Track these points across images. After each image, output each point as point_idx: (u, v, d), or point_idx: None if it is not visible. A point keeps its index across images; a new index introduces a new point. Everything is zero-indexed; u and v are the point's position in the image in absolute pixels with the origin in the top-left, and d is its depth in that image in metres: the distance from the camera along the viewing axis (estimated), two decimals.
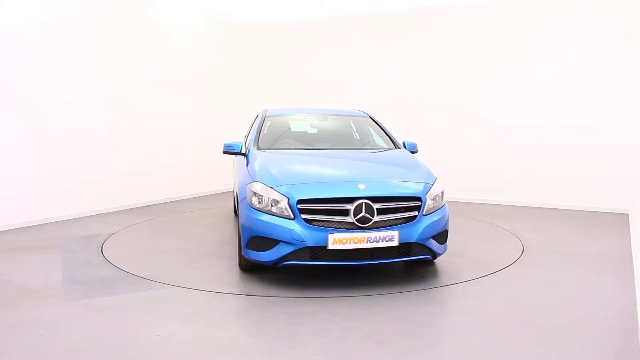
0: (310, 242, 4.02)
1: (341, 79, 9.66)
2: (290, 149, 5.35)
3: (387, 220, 4.13)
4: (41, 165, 6.65)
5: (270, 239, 4.10)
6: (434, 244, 4.36)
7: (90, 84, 7.27)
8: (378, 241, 4.05)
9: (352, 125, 5.97)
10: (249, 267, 4.60)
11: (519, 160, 8.35)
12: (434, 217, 4.35)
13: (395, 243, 4.09)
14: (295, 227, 4.04)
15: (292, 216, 4.08)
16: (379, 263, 4.23)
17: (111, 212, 7.56)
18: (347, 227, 4.04)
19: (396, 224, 4.15)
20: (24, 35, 6.44)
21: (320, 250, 4.05)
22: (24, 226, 6.47)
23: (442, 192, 4.56)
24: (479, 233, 6.40)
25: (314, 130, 5.97)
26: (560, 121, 8.02)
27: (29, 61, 6.50)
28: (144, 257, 5.14)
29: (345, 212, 4.05)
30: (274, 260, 4.12)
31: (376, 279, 4.52)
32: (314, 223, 4.05)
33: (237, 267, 4.77)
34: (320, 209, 4.07)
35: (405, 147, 5.52)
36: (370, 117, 6.00)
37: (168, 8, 8.59)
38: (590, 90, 7.82)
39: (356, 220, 4.03)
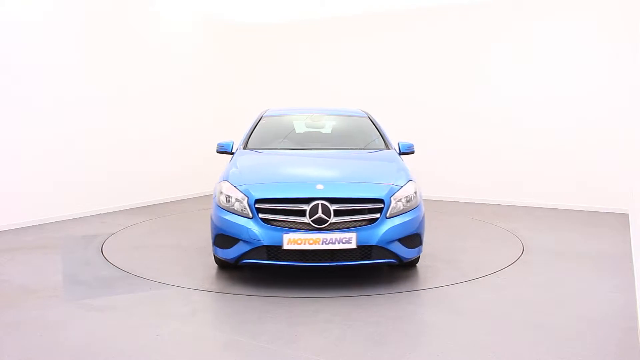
0: (266, 242, 4.03)
1: (341, 78, 9.66)
2: (277, 148, 5.34)
3: (345, 222, 4.05)
4: (41, 165, 6.65)
5: (232, 237, 4.17)
6: (399, 248, 4.18)
7: (90, 84, 7.28)
8: (334, 243, 3.99)
9: (348, 125, 5.94)
10: (223, 264, 4.66)
11: (519, 160, 8.35)
12: (401, 220, 4.19)
13: (353, 245, 4.00)
14: (253, 227, 4.08)
15: (250, 215, 4.12)
16: (337, 265, 4.11)
17: (111, 212, 7.56)
18: (303, 227, 4.01)
19: (355, 226, 4.05)
20: (24, 34, 6.44)
21: (276, 250, 4.05)
22: (24, 226, 6.47)
23: (415, 194, 4.39)
24: (479, 233, 6.40)
25: (308, 131, 5.96)
26: (561, 121, 8.02)
27: (28, 61, 6.50)
28: (144, 257, 5.14)
29: (302, 213, 4.03)
30: (234, 258, 4.18)
31: (376, 279, 4.52)
32: (270, 222, 4.06)
33: (238, 268, 4.77)
34: (277, 209, 4.08)
35: (399, 147, 5.45)
36: (369, 117, 5.96)
37: (168, 8, 8.59)
38: (590, 90, 7.82)
39: (312, 221, 4.00)
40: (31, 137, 6.54)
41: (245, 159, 4.96)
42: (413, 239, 4.32)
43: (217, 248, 4.36)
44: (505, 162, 8.48)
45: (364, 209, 4.11)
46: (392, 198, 4.20)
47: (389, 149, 5.41)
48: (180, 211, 7.82)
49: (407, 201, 4.32)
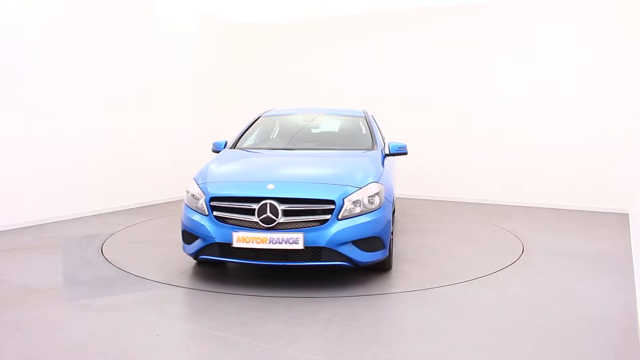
0: (217, 239, 4.12)
1: (341, 78, 9.66)
2: (264, 148, 5.41)
3: (294, 222, 4.03)
4: (41, 165, 6.65)
5: (192, 233, 4.32)
6: (353, 251, 4.07)
7: (90, 84, 7.28)
8: (281, 243, 3.99)
9: (342, 125, 5.91)
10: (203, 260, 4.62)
11: (519, 160, 8.36)
12: (356, 222, 4.08)
13: (300, 246, 3.98)
14: (207, 224, 4.20)
15: (206, 213, 4.24)
16: (288, 265, 4.11)
17: (111, 212, 7.56)
18: (252, 226, 4.06)
19: (303, 227, 4.03)
20: (23, 34, 6.44)
21: (227, 247, 4.13)
22: (24, 226, 6.47)
23: (377, 196, 4.26)
24: (478, 233, 6.40)
25: (301, 131, 5.95)
26: (560, 121, 8.03)
27: (28, 61, 6.50)
28: (144, 257, 5.14)
29: (252, 212, 4.08)
30: (194, 253, 4.33)
31: (376, 279, 4.52)
32: (223, 220, 4.15)
33: (237, 268, 4.78)
34: (229, 207, 4.17)
35: (389, 148, 5.37)
36: (365, 117, 5.89)
37: (168, 8, 8.59)
38: (590, 90, 7.82)
39: (260, 220, 4.03)
40: (31, 137, 6.54)
41: (221, 158, 5.09)
42: (371, 243, 4.18)
43: (183, 243, 4.51)
44: (505, 162, 8.48)
45: (313, 209, 4.07)
46: (345, 199, 4.11)
47: (375, 149, 5.27)
48: (180, 211, 7.81)
49: (370, 203, 4.22)
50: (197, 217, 4.28)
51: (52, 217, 6.81)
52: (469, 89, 8.65)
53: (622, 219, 7.20)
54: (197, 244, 4.27)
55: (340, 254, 4.04)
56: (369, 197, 4.23)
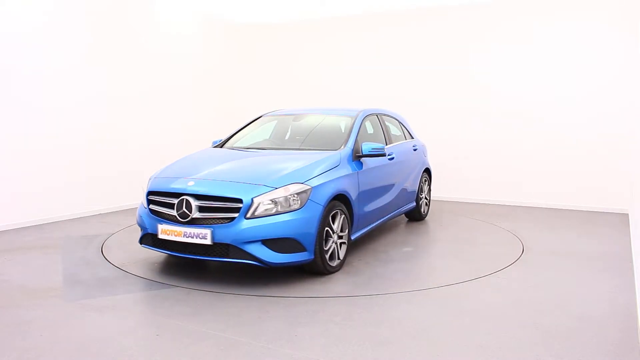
0: (150, 230, 4.51)
1: (341, 78, 9.66)
2: (248, 148, 5.61)
3: (206, 218, 4.20)
4: (41, 165, 6.65)
5: (139, 224, 4.72)
6: (262, 251, 4.10)
7: (90, 83, 7.27)
8: (192, 237, 4.20)
9: (328, 126, 5.81)
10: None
11: (519, 160, 8.36)
12: (266, 221, 4.10)
13: (208, 242, 4.13)
14: (144, 215, 4.61)
15: (145, 205, 4.63)
16: (204, 259, 4.43)
17: (111, 212, 7.56)
18: (173, 219, 4.33)
19: (212, 223, 4.17)
20: (23, 34, 6.44)
21: (155, 238, 4.46)
22: (24, 226, 6.47)
23: (296, 197, 4.22)
24: (479, 233, 6.40)
25: (290, 131, 6.00)
26: (560, 121, 8.03)
27: (28, 61, 6.50)
28: (144, 257, 5.14)
29: (173, 206, 4.35)
30: (139, 240, 4.76)
31: (376, 279, 4.52)
32: (154, 213, 4.51)
33: (237, 267, 4.78)
34: (158, 201, 4.51)
35: (361, 150, 5.15)
36: (355, 117, 5.69)
37: (168, 8, 8.59)
38: (590, 90, 7.82)
39: (178, 214, 4.28)
40: (31, 137, 6.54)
41: (189, 156, 5.40)
42: (284, 243, 4.16)
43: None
44: (505, 162, 8.48)
45: (223, 207, 4.18)
46: (255, 199, 4.14)
47: (340, 149, 5.10)
48: None
49: (288, 203, 4.20)
50: (141, 209, 4.72)
51: (52, 217, 6.81)
52: (469, 89, 8.64)
53: (622, 219, 7.20)
54: (140, 233, 4.74)
55: (247, 252, 4.10)
56: (286, 197, 4.21)
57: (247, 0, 8.66)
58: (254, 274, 4.60)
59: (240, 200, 4.14)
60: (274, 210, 4.16)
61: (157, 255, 5.21)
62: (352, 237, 4.99)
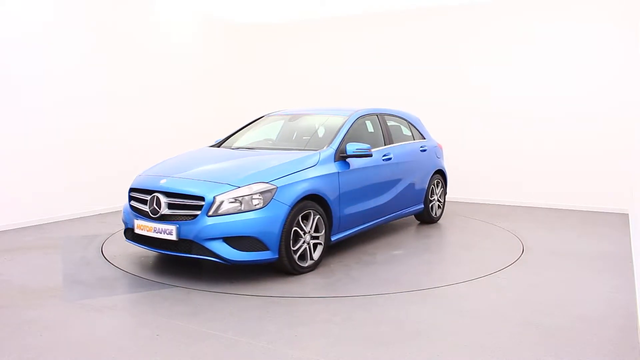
0: (129, 225, 4.72)
1: (341, 78, 9.66)
2: (241, 148, 5.62)
3: (173, 215, 4.36)
4: (41, 165, 6.65)
5: (122, 220, 4.94)
6: (223, 248, 4.17)
7: (90, 83, 7.27)
8: (161, 233, 4.36)
9: (321, 126, 5.80)
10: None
11: (519, 160, 8.35)
12: (227, 219, 4.17)
13: (174, 238, 4.28)
14: (126, 211, 4.83)
15: (128, 201, 4.85)
16: (173, 255, 4.52)
17: (111, 212, 7.56)
18: (146, 215, 4.52)
19: (178, 220, 4.31)
20: (23, 34, 6.43)
21: (134, 233, 4.63)
22: (24, 226, 6.46)
23: (258, 196, 4.28)
24: (479, 233, 6.40)
25: (285, 131, 6.03)
26: (561, 121, 8.02)
27: (28, 61, 6.50)
28: (143, 257, 5.14)
29: (146, 202, 4.54)
30: (124, 234, 4.94)
31: (376, 279, 4.52)
32: (133, 209, 4.70)
33: (237, 268, 4.78)
34: (136, 197, 4.71)
35: (345, 151, 5.07)
36: (348, 117, 5.61)
37: (168, 8, 8.59)
38: (590, 90, 7.82)
39: (149, 210, 4.47)
40: (31, 137, 6.54)
41: (181, 155, 5.55)
42: (245, 242, 4.22)
43: None
44: (505, 162, 8.48)
45: (188, 204, 4.32)
46: (218, 197, 4.23)
47: (323, 149, 5.07)
48: None
49: (252, 202, 4.26)
50: (125, 205, 4.92)
51: (52, 217, 6.81)
52: (469, 89, 8.64)
53: (622, 219, 7.20)
54: (124, 228, 4.91)
55: (207, 249, 4.20)
56: (250, 196, 4.28)
57: (247, 0, 8.66)
58: (254, 274, 4.60)
59: (202, 198, 4.26)
60: (236, 209, 4.23)
61: (156, 254, 5.21)
62: (333, 239, 4.95)
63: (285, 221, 4.33)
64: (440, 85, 8.87)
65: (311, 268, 4.67)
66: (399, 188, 6.00)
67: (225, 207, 4.23)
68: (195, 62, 9.21)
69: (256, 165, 4.68)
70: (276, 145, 5.70)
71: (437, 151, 7.00)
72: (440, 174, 7.04)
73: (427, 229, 6.62)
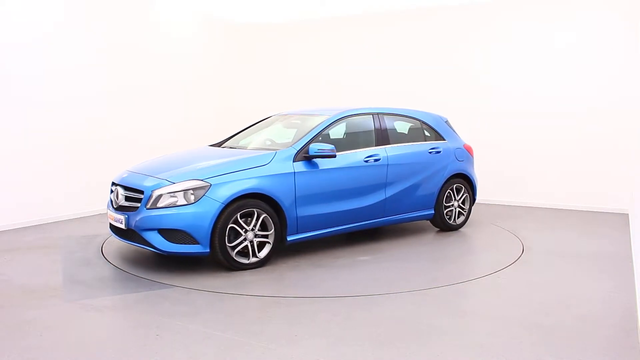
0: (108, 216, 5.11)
1: (341, 78, 9.65)
2: (235, 147, 5.76)
3: (127, 206, 4.77)
4: (41, 165, 6.65)
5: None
6: (156, 239, 4.49)
7: (90, 83, 7.27)
8: (117, 222, 4.80)
9: (309, 125, 5.65)
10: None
11: (519, 160, 8.35)
12: (161, 212, 4.48)
13: (123, 226, 4.70)
14: (108, 203, 5.20)
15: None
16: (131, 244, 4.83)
17: None
18: (113, 206, 4.97)
19: (127, 211, 4.72)
20: (23, 34, 6.43)
21: (110, 223, 5.06)
22: (24, 226, 6.46)
23: (190, 192, 4.48)
24: (479, 233, 6.40)
25: (279, 131, 6.05)
26: (561, 121, 8.02)
27: (28, 60, 6.49)
28: (144, 257, 5.14)
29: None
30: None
31: (376, 279, 4.52)
32: (111, 201, 5.09)
33: (237, 268, 4.78)
34: (112, 190, 5.11)
35: (308, 151, 5.05)
36: (327, 117, 5.55)
37: (168, 8, 8.59)
38: (590, 90, 7.81)
39: (112, 201, 4.99)
40: (31, 137, 6.53)
41: (172, 153, 5.81)
42: (176, 234, 4.48)
43: None
44: (505, 162, 8.48)
45: (134, 197, 4.72)
46: (154, 191, 4.56)
47: (285, 149, 5.12)
48: None
49: (186, 198, 4.50)
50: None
51: (52, 217, 6.80)
52: (469, 89, 8.64)
53: (622, 219, 7.20)
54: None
55: (144, 239, 4.55)
56: (182, 192, 4.52)
57: (247, 0, 8.66)
58: (253, 274, 4.60)
59: (142, 192, 4.64)
60: (172, 203, 4.51)
61: (153, 253, 5.21)
62: (289, 239, 4.94)
63: (218, 217, 4.49)
64: (439, 85, 8.86)
65: (256, 266, 4.74)
66: (392, 191, 5.72)
67: (161, 200, 4.53)
68: (195, 62, 9.21)
69: (201, 163, 4.94)
70: (260, 146, 5.63)
71: (459, 153, 6.46)
72: (463, 177, 6.49)
73: (427, 229, 6.61)
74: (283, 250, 5.32)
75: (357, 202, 5.44)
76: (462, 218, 6.54)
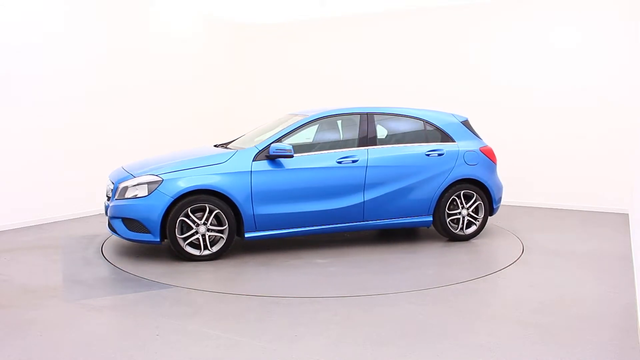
0: None
1: (341, 78, 9.65)
2: (217, 145, 6.03)
3: (109, 197, 5.25)
4: (41, 164, 6.65)
5: None
6: (120, 226, 5.00)
7: (90, 83, 7.27)
8: (104, 212, 5.34)
9: (283, 126, 5.77)
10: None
11: (519, 160, 8.35)
12: (122, 203, 4.99)
13: (106, 216, 5.24)
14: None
15: None
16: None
17: None
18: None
19: (109, 202, 5.22)
20: (23, 34, 6.43)
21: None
22: (24, 226, 6.46)
23: (143, 186, 4.90)
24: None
25: (259, 132, 6.11)
26: (560, 121, 8.02)
27: (28, 61, 6.49)
28: (144, 257, 5.14)
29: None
30: None
31: (375, 279, 4.52)
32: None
33: (238, 268, 4.78)
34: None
35: (269, 150, 5.13)
36: (307, 117, 5.57)
37: (168, 8, 8.59)
38: (590, 90, 7.81)
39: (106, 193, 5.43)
40: (31, 136, 6.53)
41: (173, 152, 6.03)
42: (133, 223, 4.94)
43: None
44: (505, 162, 8.47)
45: (113, 189, 5.20)
46: (120, 184, 5.06)
47: (249, 147, 5.31)
48: None
49: (142, 191, 4.91)
50: None
51: (52, 217, 6.80)
52: (469, 88, 8.64)
53: (622, 219, 7.20)
54: None
55: (112, 226, 5.10)
56: (139, 185, 4.94)
57: (247, 0, 8.66)
58: (253, 273, 4.60)
59: (114, 184, 5.16)
60: (135, 195, 4.93)
61: (154, 253, 5.21)
62: (247, 236, 5.07)
63: (168, 210, 4.83)
64: (439, 85, 8.86)
65: (208, 258, 4.96)
66: (372, 194, 5.45)
67: (125, 192, 4.99)
68: (195, 62, 9.21)
69: (165, 160, 5.27)
70: (244, 145, 5.59)
71: (469, 157, 5.91)
72: (475, 183, 5.92)
73: (430, 230, 6.60)
74: (283, 249, 5.33)
75: (327, 203, 5.30)
76: (473, 228, 5.89)
